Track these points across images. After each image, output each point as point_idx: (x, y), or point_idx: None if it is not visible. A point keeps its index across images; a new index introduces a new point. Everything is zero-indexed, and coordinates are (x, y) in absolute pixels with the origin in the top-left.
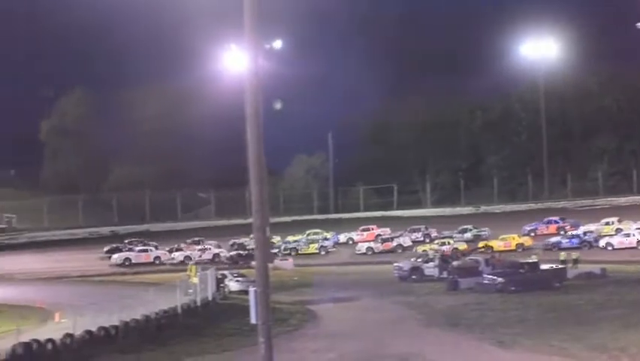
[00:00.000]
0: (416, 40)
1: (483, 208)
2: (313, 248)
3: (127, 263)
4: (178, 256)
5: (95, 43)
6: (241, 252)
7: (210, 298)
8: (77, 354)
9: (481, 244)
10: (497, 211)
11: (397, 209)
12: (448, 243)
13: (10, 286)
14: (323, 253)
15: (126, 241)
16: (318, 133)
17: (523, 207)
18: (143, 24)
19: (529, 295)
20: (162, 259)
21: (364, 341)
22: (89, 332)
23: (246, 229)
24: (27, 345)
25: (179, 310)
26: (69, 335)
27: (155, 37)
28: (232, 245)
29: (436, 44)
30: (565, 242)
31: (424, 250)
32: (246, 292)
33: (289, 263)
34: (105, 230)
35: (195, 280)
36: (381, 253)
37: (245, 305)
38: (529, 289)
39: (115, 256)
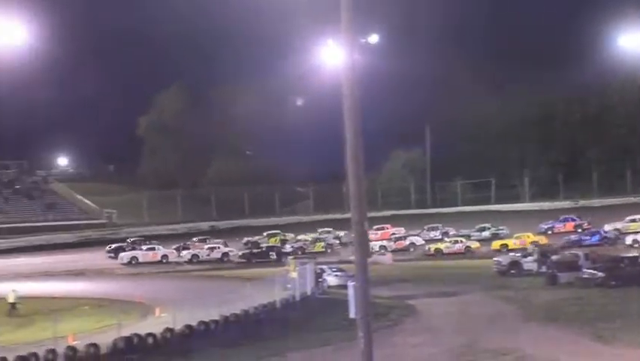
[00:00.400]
0: (514, 33)
1: (582, 202)
2: (320, 247)
3: (134, 262)
4: (186, 254)
5: (194, 40)
6: (254, 250)
7: (309, 292)
8: (177, 348)
9: (497, 243)
10: (596, 205)
11: (495, 203)
12: (461, 241)
13: (111, 281)
14: (329, 251)
15: (129, 240)
16: (416, 127)
17: (622, 200)
18: (240, 20)
19: (630, 289)
20: (170, 258)
21: (464, 335)
22: (188, 327)
23: (343, 224)
24: (128, 339)
25: (278, 304)
26: (169, 330)
27: (253, 33)
28: (245, 244)
29: (533, 37)
30: (586, 239)
31: (436, 248)
32: (344, 287)
33: (388, 258)
34: (204, 225)
35: (294, 274)
36: (393, 251)
37: (344, 300)
38: (630, 283)
39: (122, 254)
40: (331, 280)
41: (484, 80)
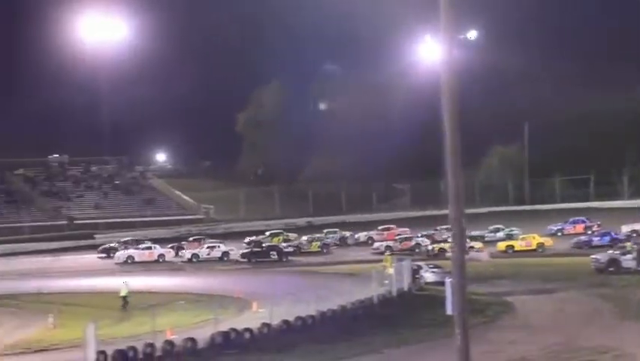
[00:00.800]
0: (616, 31)
1: None
2: (315, 246)
3: (129, 261)
4: (186, 253)
5: (292, 36)
6: (254, 249)
7: (406, 288)
8: (274, 343)
9: (502, 244)
10: None
11: (594, 200)
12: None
13: (209, 276)
14: (325, 251)
15: (122, 240)
16: (514, 123)
17: None
18: (339, 16)
19: None
20: (166, 257)
21: (561, 333)
22: (285, 322)
23: (441, 220)
24: (225, 334)
25: (376, 300)
26: (266, 325)
27: (352, 29)
28: (249, 243)
29: (636, 34)
30: (596, 240)
31: (440, 248)
32: (441, 283)
33: (484, 255)
34: (301, 221)
35: (391, 270)
36: (399, 251)
37: (440, 296)
38: None
39: (118, 254)
40: (428, 276)
41: (584, 76)
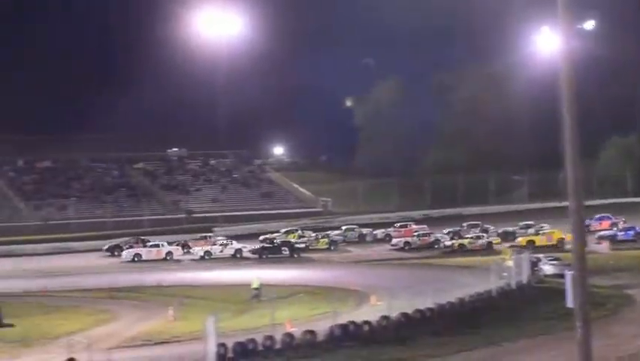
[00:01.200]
0: None
1: None
2: (323, 243)
3: (136, 259)
4: (197, 250)
5: (409, 29)
6: (265, 245)
7: (525, 281)
8: (393, 336)
9: (523, 239)
10: None
11: None
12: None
13: (326, 269)
14: (332, 248)
15: (127, 239)
16: (632, 113)
17: None
18: (456, 7)
19: None
20: (174, 255)
21: None
22: (404, 315)
23: (560, 213)
24: (344, 326)
25: (494, 293)
26: (385, 317)
27: (468, 20)
28: (262, 241)
29: None
30: (620, 235)
31: (459, 244)
32: (560, 276)
33: (604, 247)
34: (417, 214)
35: (510, 263)
36: (418, 247)
37: (560, 289)
38: None
39: (125, 252)
40: (547, 269)
41: None
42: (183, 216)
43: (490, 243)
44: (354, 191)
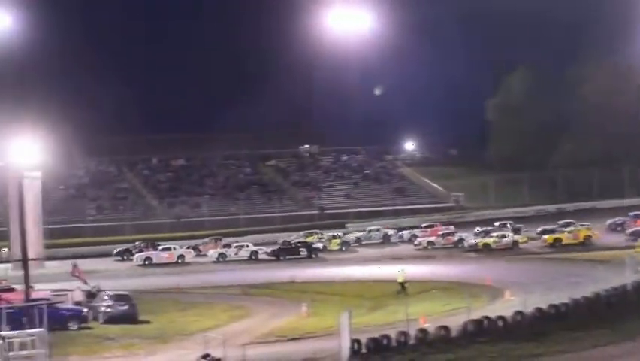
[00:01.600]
0: None
1: None
2: (335, 244)
3: (147, 263)
4: (212, 253)
5: (541, 22)
6: (282, 247)
7: None
8: (528, 331)
9: (550, 237)
10: None
11: None
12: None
13: (459, 264)
14: (344, 249)
15: (136, 243)
16: None
17: None
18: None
19: None
20: (186, 258)
21: None
22: (538, 310)
23: None
24: (478, 322)
25: (630, 287)
26: (519, 313)
27: (603, 12)
28: (282, 243)
29: None
30: None
31: (484, 244)
32: None
33: None
34: (551, 208)
35: None
36: (442, 247)
37: None
38: None
39: (136, 255)
40: None
41: None
42: (315, 212)
43: (515, 242)
44: (485, 185)
